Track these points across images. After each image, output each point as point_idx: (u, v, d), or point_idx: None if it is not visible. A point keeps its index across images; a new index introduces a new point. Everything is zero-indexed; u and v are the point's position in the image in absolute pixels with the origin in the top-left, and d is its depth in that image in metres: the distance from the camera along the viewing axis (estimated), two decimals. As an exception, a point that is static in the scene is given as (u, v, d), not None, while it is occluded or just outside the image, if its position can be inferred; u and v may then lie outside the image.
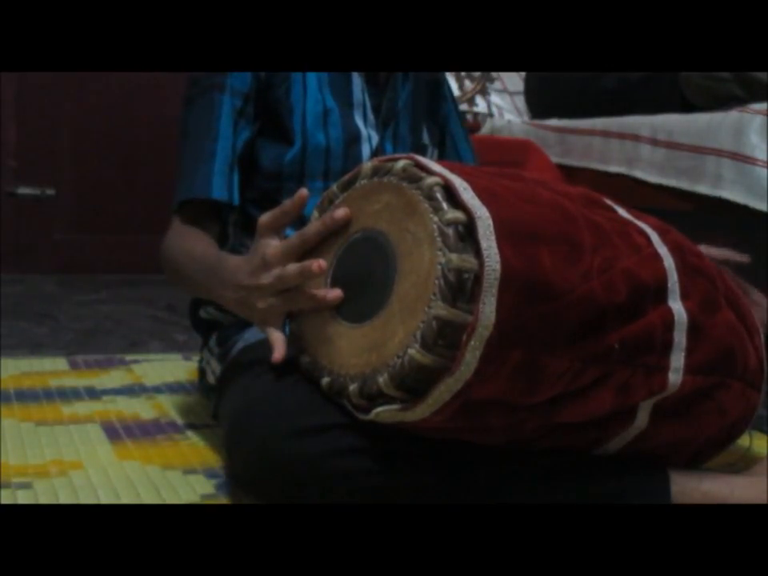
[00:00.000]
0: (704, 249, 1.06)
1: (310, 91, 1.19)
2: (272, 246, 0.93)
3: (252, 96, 1.17)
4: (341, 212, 0.91)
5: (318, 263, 0.87)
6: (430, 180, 0.84)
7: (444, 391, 0.80)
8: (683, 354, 0.91)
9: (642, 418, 0.92)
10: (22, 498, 1.00)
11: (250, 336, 1.14)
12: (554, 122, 2.05)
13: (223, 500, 1.03)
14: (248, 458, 0.94)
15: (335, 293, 0.90)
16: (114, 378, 1.56)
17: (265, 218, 0.94)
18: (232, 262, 1.00)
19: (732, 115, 1.50)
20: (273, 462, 0.91)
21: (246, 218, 1.21)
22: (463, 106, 2.27)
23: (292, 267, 0.90)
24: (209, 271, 1.03)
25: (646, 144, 1.69)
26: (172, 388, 1.51)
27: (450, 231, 0.81)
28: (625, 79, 1.94)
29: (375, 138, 1.23)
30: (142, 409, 1.37)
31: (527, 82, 2.30)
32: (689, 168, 1.57)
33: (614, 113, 1.86)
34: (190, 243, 1.12)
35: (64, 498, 1.01)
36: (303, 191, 0.92)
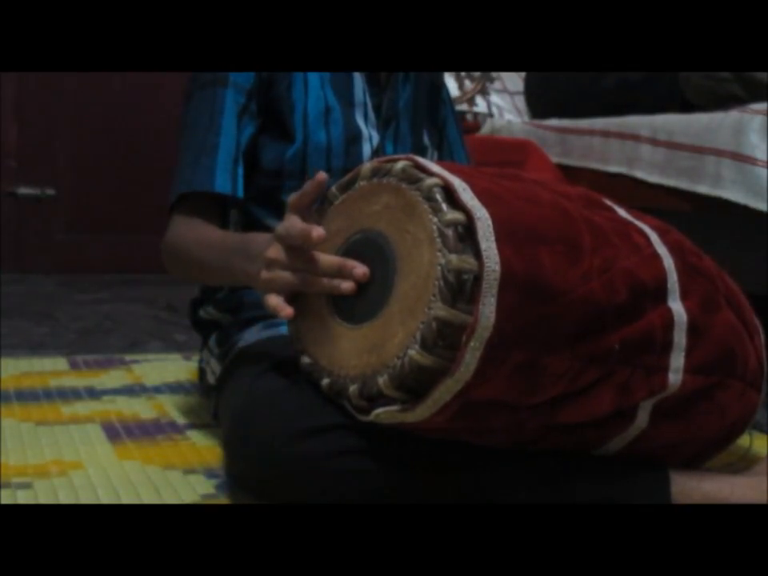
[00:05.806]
0: None
1: (312, 89, 1.19)
2: (290, 220, 0.91)
3: (255, 92, 1.17)
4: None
5: (318, 231, 0.86)
6: (430, 181, 0.84)
7: (444, 392, 0.80)
8: (683, 353, 0.91)
9: (642, 418, 0.92)
10: (22, 498, 1.00)
11: (250, 336, 1.14)
12: (554, 122, 2.04)
13: (223, 500, 1.03)
14: (248, 459, 0.94)
15: (350, 285, 0.87)
16: (113, 377, 1.56)
17: (291, 197, 0.93)
18: (260, 237, 0.98)
19: (732, 115, 1.50)
20: (273, 462, 0.91)
21: (247, 217, 1.21)
22: (463, 106, 2.27)
23: (296, 224, 0.89)
24: (233, 251, 1.02)
25: (646, 144, 1.69)
26: (172, 388, 1.51)
27: (450, 232, 0.81)
28: (625, 79, 1.94)
29: (376, 138, 1.23)
30: (141, 409, 1.37)
31: (527, 82, 2.30)
32: (689, 168, 1.57)
33: (614, 113, 1.86)
34: (201, 231, 1.12)
35: (64, 498, 1.01)
36: (322, 174, 0.90)
